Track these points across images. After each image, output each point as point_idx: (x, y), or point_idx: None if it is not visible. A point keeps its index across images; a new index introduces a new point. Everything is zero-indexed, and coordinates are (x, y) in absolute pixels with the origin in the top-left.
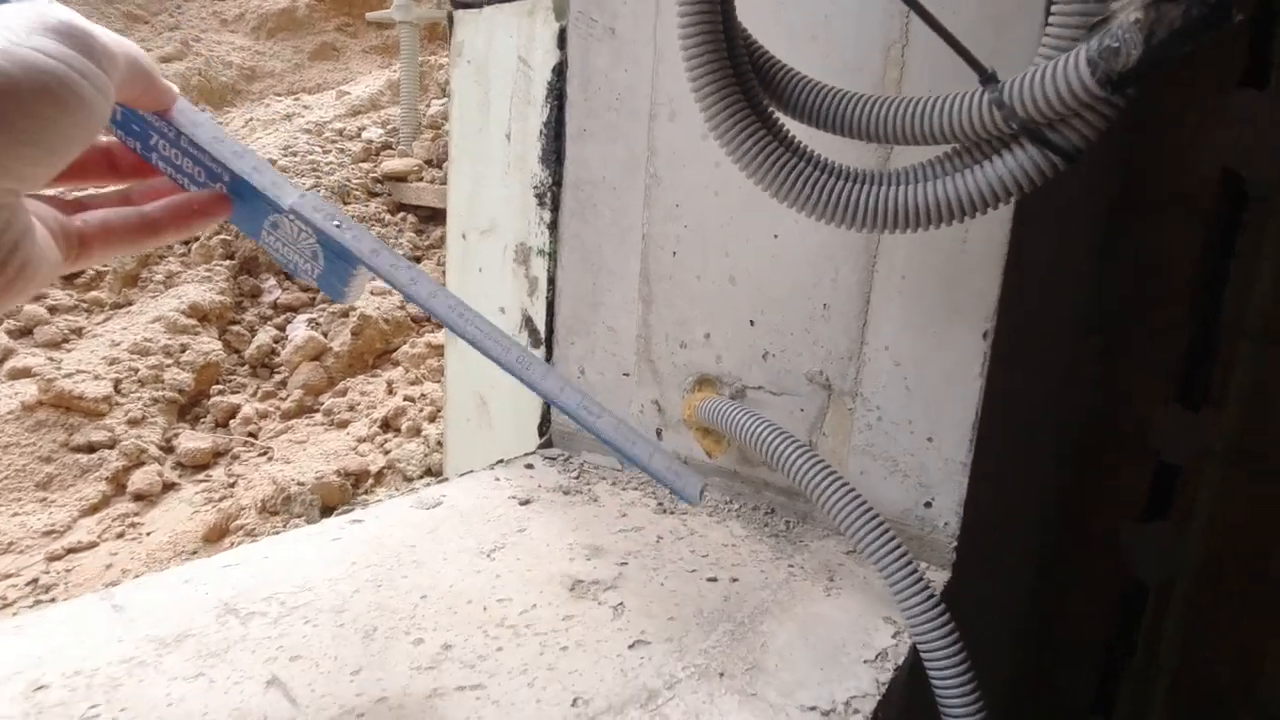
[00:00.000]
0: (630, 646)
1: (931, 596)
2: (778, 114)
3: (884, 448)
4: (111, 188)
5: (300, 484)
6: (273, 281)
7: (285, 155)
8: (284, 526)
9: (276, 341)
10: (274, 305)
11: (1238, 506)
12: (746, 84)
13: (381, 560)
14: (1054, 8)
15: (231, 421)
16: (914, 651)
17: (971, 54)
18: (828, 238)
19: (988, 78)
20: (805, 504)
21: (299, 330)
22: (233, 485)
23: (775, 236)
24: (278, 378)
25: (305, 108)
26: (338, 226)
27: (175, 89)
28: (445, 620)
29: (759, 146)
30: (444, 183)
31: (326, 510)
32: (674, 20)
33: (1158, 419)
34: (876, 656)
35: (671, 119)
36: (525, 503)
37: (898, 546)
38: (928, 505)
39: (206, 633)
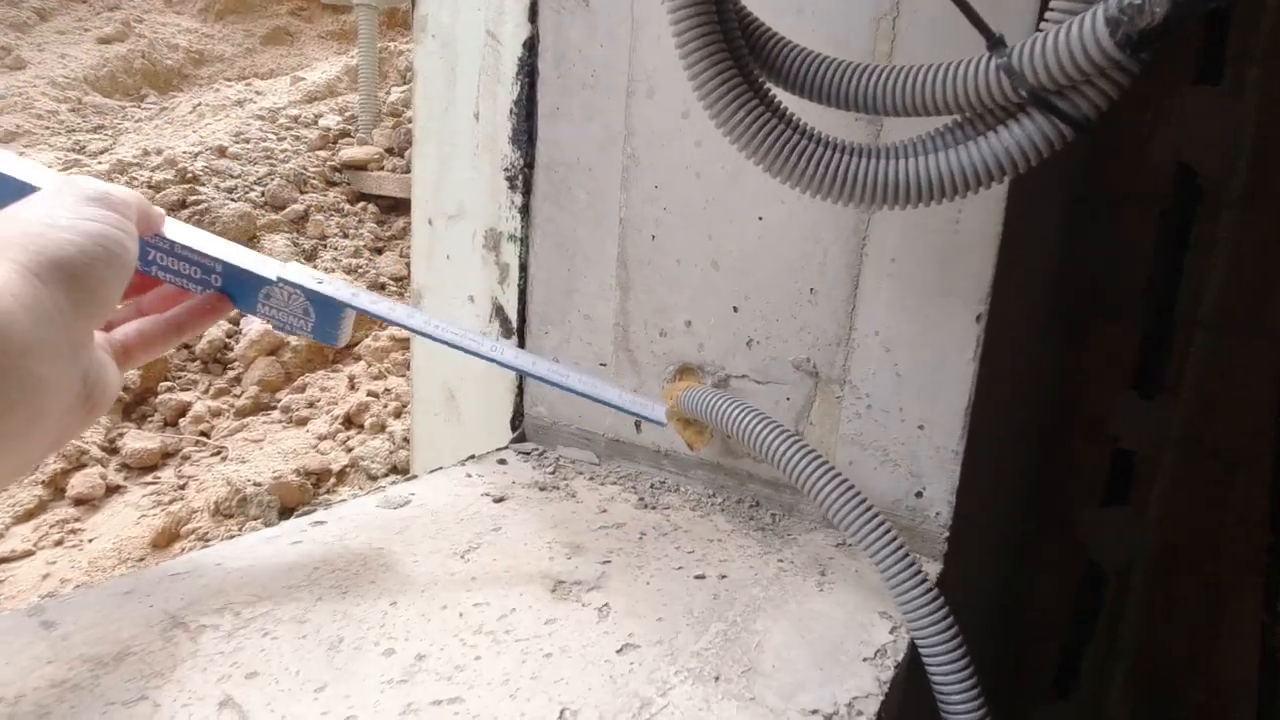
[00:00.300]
0: (619, 651)
1: (930, 590)
2: (770, 86)
3: (874, 436)
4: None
5: (257, 484)
6: None
7: (237, 142)
8: (239, 530)
9: (230, 336)
10: None
11: (1192, 491)
12: (738, 54)
13: (347, 564)
14: None
15: (181, 420)
16: (912, 647)
17: (979, 16)
18: (815, 219)
19: (995, 42)
20: (791, 496)
21: (254, 324)
22: (183, 487)
23: (760, 219)
24: (231, 374)
25: (258, 94)
26: (319, 283)
27: (162, 211)
28: (418, 628)
29: (753, 118)
30: (405, 171)
31: (285, 512)
32: None
33: (1116, 406)
34: (876, 654)
35: (650, 96)
36: (499, 500)
37: (894, 539)
38: (919, 495)
39: (150, 650)
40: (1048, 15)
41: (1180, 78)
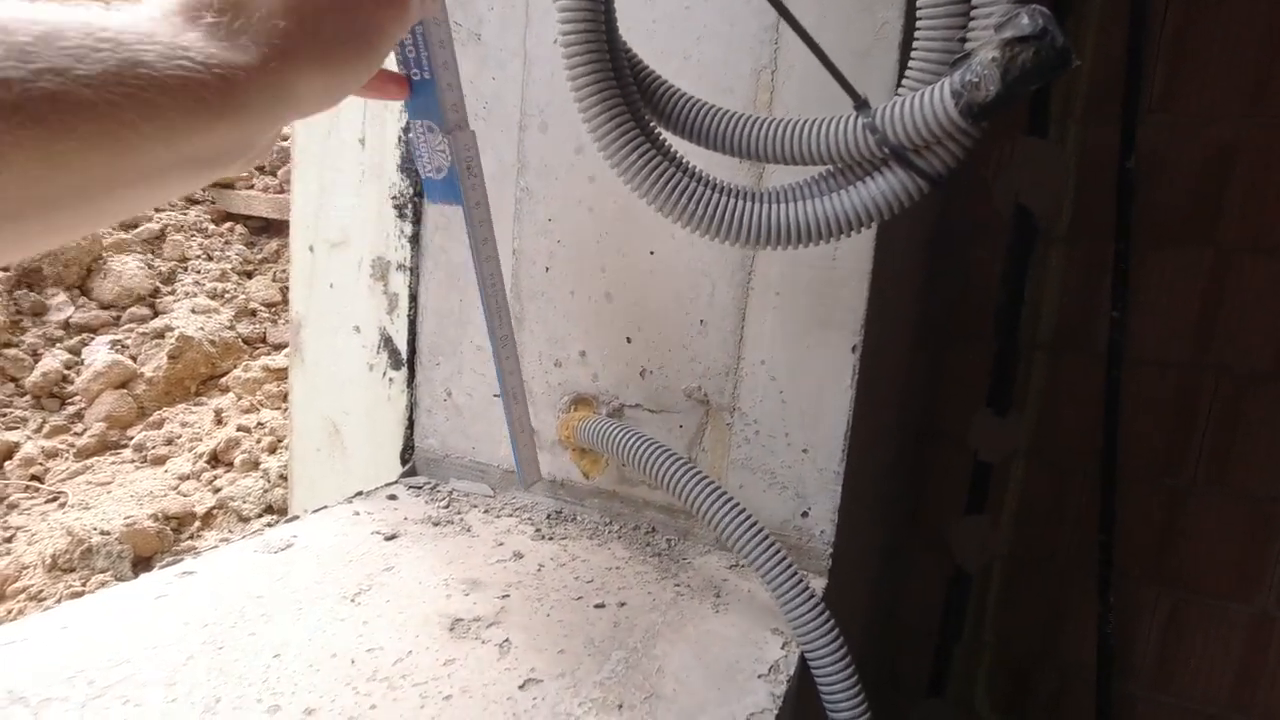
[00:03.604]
0: (521, 687)
1: (818, 605)
2: (659, 129)
3: (762, 460)
4: None
5: (104, 533)
6: (63, 297)
7: None
8: (84, 586)
9: (69, 367)
10: (65, 325)
11: (1037, 497)
12: (630, 98)
13: (221, 617)
14: (916, 42)
15: (8, 463)
16: (802, 660)
17: (846, 79)
18: (704, 254)
19: (861, 104)
20: (686, 521)
21: (99, 354)
22: (10, 540)
23: (651, 253)
24: (71, 409)
25: None
26: (467, 170)
27: None
28: (305, 680)
29: (644, 160)
30: (279, 191)
31: (141, 563)
32: (548, 30)
33: (974, 423)
34: (769, 670)
35: (543, 130)
36: (391, 538)
37: (783, 559)
38: (805, 515)
39: None
40: (904, 82)
41: (1018, 126)
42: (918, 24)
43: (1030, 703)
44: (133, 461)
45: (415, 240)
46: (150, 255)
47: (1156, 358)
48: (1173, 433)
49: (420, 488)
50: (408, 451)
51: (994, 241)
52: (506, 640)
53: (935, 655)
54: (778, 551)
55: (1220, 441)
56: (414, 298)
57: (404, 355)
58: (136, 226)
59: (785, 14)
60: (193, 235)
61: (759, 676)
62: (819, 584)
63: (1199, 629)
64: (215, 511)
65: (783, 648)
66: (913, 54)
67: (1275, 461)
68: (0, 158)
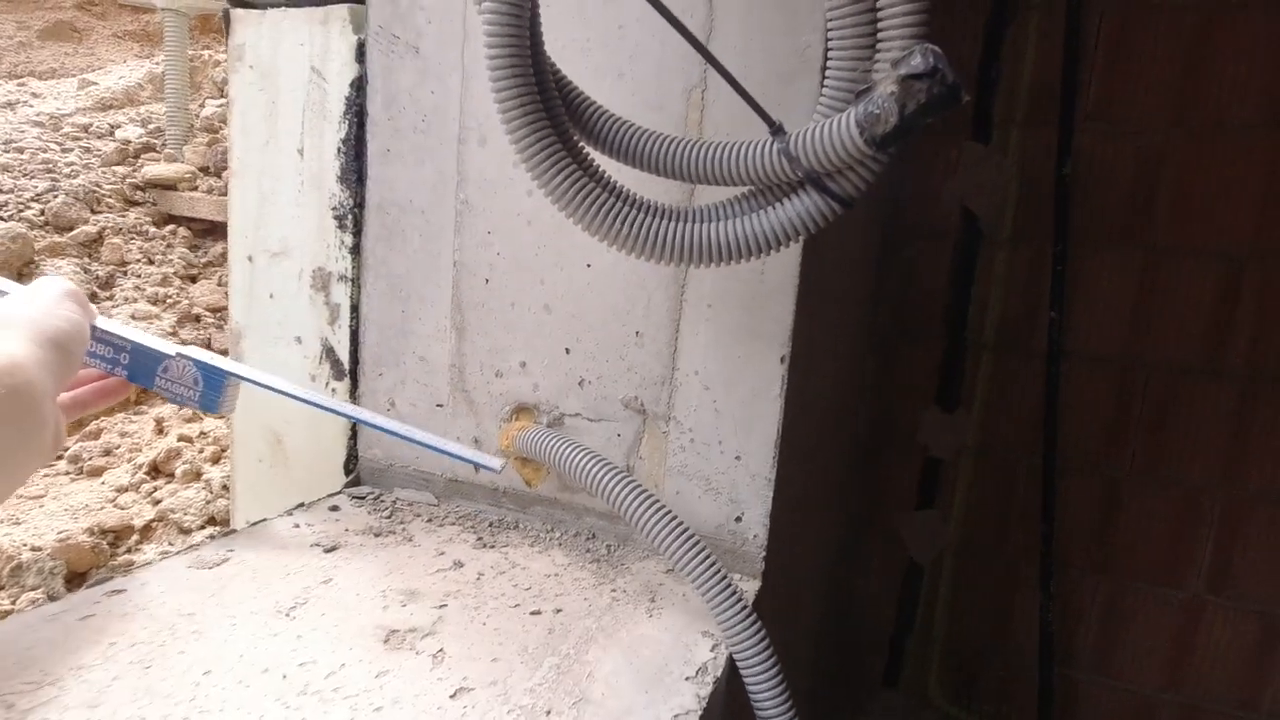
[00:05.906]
0: (452, 696)
1: (745, 608)
2: (587, 148)
3: (697, 468)
4: None
5: (35, 549)
6: None
7: (7, 151)
8: (13, 604)
9: None
10: None
11: (984, 492)
12: (556, 117)
13: (151, 636)
14: (827, 73)
15: None
16: (730, 661)
17: (761, 107)
18: (639, 266)
19: (776, 130)
20: (626, 527)
21: None
22: None
23: (588, 265)
24: None
25: (35, 95)
26: (211, 360)
27: (94, 308)
28: (235, 696)
29: (569, 180)
30: (224, 193)
31: (75, 579)
32: (482, 46)
33: (923, 420)
34: (697, 672)
35: (482, 144)
36: (331, 549)
37: (713, 563)
38: (738, 519)
39: None
40: (816, 109)
41: (962, 133)
42: (828, 55)
43: (981, 689)
44: (68, 473)
45: (356, 251)
46: (87, 259)
47: (1093, 355)
48: (1109, 426)
49: (363, 498)
50: (351, 461)
51: (942, 245)
52: (441, 650)
53: (889, 646)
54: (707, 556)
55: (1153, 434)
56: (355, 309)
57: (346, 366)
58: (72, 229)
59: (695, 43)
60: (132, 238)
61: (686, 679)
62: (753, 586)
63: (1135, 614)
64: (155, 524)
65: (711, 650)
66: (824, 83)
67: (1203, 451)
68: None
